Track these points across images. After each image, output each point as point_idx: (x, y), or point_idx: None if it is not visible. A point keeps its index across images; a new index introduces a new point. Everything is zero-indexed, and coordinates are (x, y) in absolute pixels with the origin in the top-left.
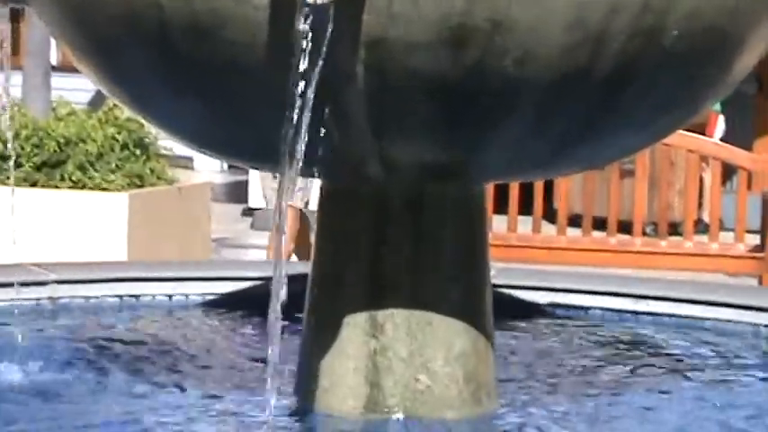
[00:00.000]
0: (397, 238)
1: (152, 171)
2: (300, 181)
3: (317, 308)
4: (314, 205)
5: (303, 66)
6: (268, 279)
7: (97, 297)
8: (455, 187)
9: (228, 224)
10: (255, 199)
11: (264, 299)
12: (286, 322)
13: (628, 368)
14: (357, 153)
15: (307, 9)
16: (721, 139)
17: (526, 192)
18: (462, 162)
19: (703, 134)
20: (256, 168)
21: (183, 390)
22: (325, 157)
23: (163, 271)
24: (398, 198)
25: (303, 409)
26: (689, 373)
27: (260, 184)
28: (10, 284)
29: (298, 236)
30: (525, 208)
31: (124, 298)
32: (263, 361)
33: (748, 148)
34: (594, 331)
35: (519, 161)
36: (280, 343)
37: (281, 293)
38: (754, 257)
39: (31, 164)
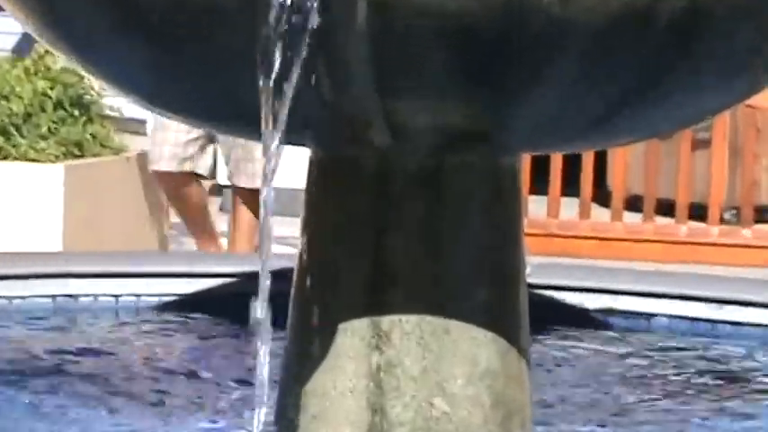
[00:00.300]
0: (407, 223)
1: (94, 137)
2: (240, 152)
3: (305, 313)
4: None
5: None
6: (241, 276)
7: (23, 297)
8: (480, 158)
9: None
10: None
11: (236, 301)
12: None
13: (704, 393)
14: (357, 114)
15: None
16: None
17: (572, 166)
18: (489, 126)
19: None
20: (230, 134)
21: (130, 416)
22: (316, 119)
23: (107, 264)
24: (408, 172)
25: None
26: None
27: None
28: None
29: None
30: (570, 187)
31: (58, 298)
32: (236, 381)
33: None
34: (660, 345)
35: (561, 126)
36: (256, 358)
37: (265, 295)
38: None
39: None
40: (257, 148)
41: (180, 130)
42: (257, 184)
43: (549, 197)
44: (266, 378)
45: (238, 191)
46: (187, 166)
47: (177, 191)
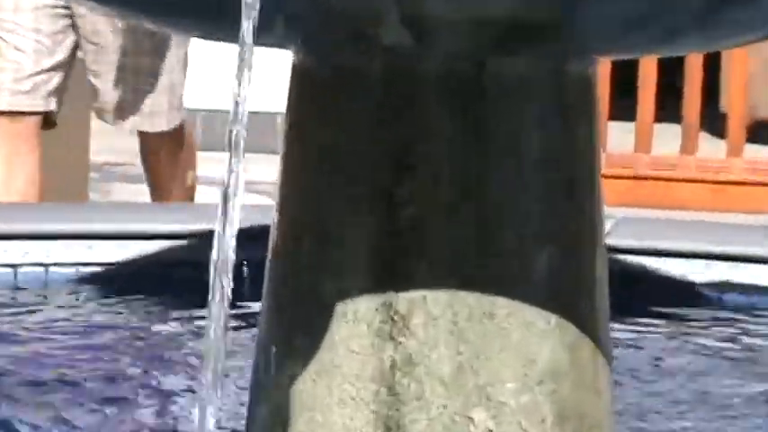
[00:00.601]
0: (431, 158)
1: None
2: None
3: (285, 290)
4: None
5: None
6: (193, 237)
7: None
8: (536, 65)
9: (120, 138)
10: None
11: (184, 272)
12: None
13: None
14: (361, 4)
15: None
16: None
17: (671, 79)
18: (549, 17)
19: None
20: (186, 33)
21: None
22: (304, 11)
23: (4, 221)
24: (432, 85)
25: None
26: None
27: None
28: None
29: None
30: (668, 110)
31: None
32: (180, 388)
33: None
34: None
35: (656, 16)
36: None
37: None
38: None
39: None
40: (161, 74)
41: (40, 51)
42: (163, 124)
43: (639, 123)
44: (215, 377)
45: (139, 136)
46: (52, 105)
47: (13, 147)
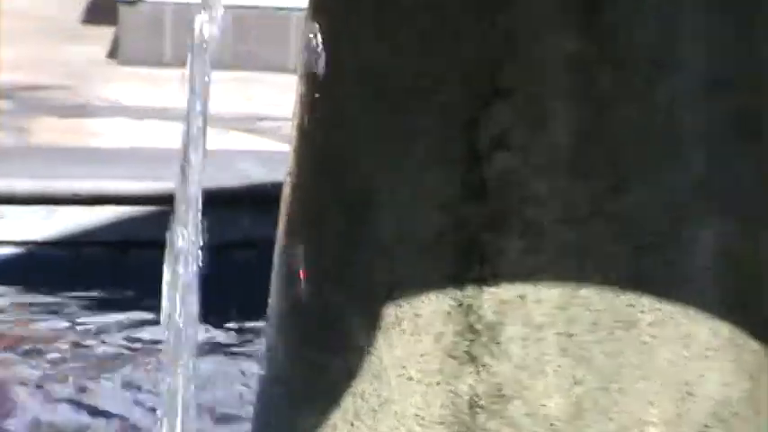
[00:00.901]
0: (536, 82)
1: None
2: None
3: (307, 287)
4: None
5: None
6: (152, 202)
7: None
8: None
9: (55, 45)
10: None
11: (135, 255)
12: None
13: None
14: None
15: None
16: None
17: None
18: None
19: None
20: None
21: None
22: None
23: None
24: None
25: None
26: None
27: None
28: None
29: None
30: None
31: None
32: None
33: None
34: None
35: None
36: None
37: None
38: None
39: None
40: None
41: None
42: None
43: None
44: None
45: None
46: None
47: None
